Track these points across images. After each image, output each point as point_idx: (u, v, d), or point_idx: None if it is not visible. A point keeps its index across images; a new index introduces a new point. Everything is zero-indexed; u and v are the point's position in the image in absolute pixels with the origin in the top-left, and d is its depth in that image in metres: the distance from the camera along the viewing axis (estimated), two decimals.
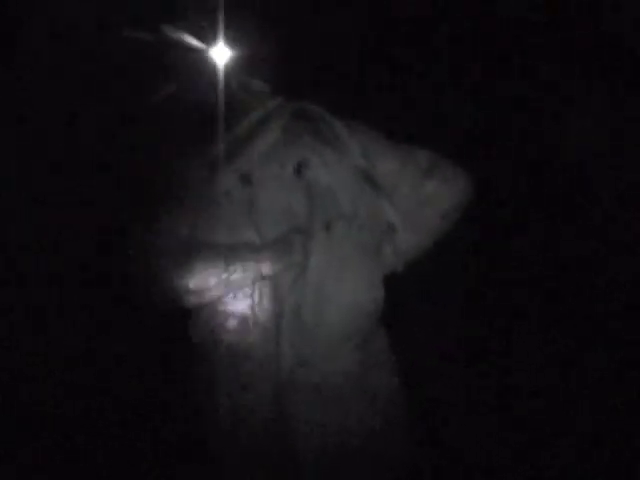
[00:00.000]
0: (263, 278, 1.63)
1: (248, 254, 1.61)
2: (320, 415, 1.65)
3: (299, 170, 1.68)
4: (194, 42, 1.57)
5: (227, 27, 1.53)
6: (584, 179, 2.18)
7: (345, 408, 1.68)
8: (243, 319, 1.65)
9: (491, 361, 2.28)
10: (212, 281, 1.59)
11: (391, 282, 1.75)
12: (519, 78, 2.21)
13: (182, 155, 1.65)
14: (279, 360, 1.64)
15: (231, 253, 1.61)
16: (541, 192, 2.26)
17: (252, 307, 1.65)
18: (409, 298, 2.04)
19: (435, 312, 2.23)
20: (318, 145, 1.70)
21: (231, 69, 1.58)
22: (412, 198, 1.74)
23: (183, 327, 1.70)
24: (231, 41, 1.56)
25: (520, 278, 2.31)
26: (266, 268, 1.61)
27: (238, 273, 1.59)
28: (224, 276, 1.58)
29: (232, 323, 1.66)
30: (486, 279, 2.30)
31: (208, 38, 1.55)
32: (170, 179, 1.65)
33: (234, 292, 1.63)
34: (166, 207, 1.63)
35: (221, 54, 1.56)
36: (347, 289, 1.67)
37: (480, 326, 2.31)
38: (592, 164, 2.14)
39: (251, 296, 1.64)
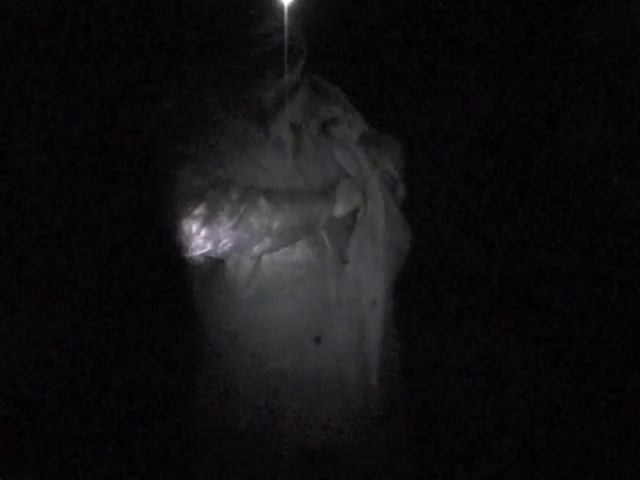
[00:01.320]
0: (326, 222, 1.59)
1: (312, 198, 1.57)
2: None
3: (326, 127, 1.71)
4: None
5: None
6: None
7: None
8: (307, 267, 1.59)
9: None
10: (274, 226, 1.51)
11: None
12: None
13: (237, 98, 1.58)
14: (352, 304, 1.60)
15: (295, 198, 1.55)
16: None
17: (316, 254, 1.59)
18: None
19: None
20: (339, 110, 1.76)
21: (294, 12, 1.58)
22: None
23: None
24: None
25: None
26: (333, 211, 1.58)
27: (299, 218, 1.54)
28: (287, 222, 1.52)
29: (296, 272, 1.58)
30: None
31: None
32: (223, 122, 1.56)
33: (297, 239, 1.57)
34: (217, 151, 1.53)
35: None
36: (394, 232, 1.71)
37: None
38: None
39: (313, 243, 1.59)
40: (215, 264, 1.57)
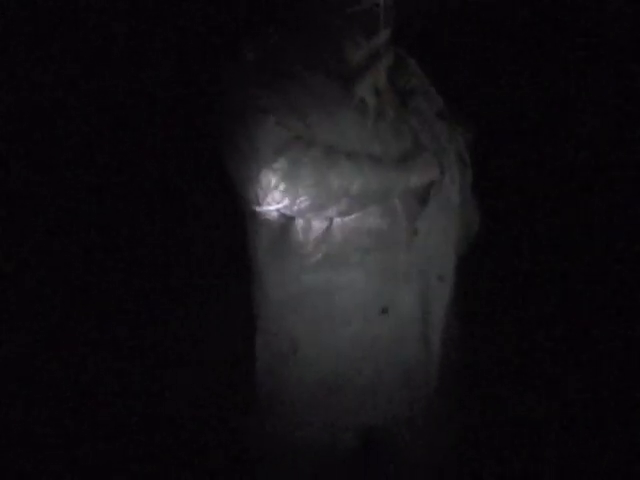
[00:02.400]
0: (401, 192, 1.55)
1: (391, 164, 1.53)
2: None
3: (405, 96, 1.68)
4: None
5: None
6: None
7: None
8: (378, 235, 1.54)
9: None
10: (353, 188, 1.46)
11: None
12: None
13: (323, 55, 1.54)
14: (419, 276, 1.56)
15: (374, 163, 1.51)
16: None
17: (388, 223, 1.55)
18: None
19: None
20: (418, 82, 1.72)
21: None
22: None
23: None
24: None
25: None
26: (410, 181, 1.54)
27: (378, 183, 1.49)
28: (365, 186, 1.47)
29: (367, 240, 1.53)
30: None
31: None
32: (306, 79, 1.52)
33: (371, 205, 1.52)
34: (298, 107, 1.48)
35: None
36: (466, 210, 1.68)
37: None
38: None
39: (386, 212, 1.55)
40: (286, 223, 1.52)
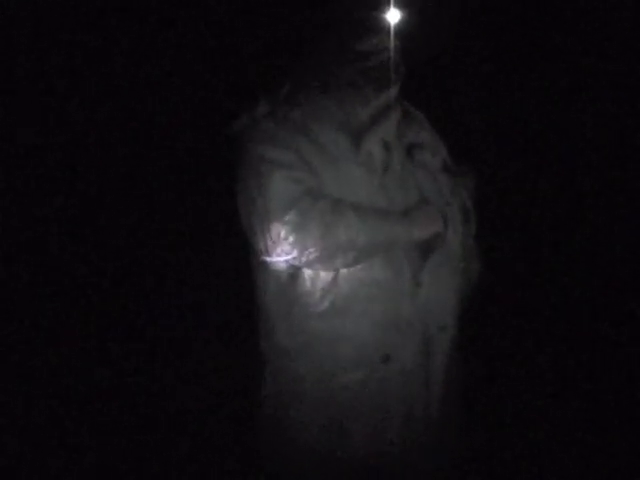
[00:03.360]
0: (405, 244, 1.59)
1: (396, 218, 1.58)
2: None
3: (411, 150, 1.72)
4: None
5: None
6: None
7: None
8: (383, 285, 1.59)
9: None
10: (359, 240, 1.51)
11: None
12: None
13: (332, 110, 1.60)
14: (421, 326, 1.61)
15: (380, 215, 1.56)
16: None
17: (392, 274, 1.60)
18: None
19: None
20: (426, 136, 1.77)
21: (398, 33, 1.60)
22: None
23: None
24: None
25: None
26: (414, 234, 1.59)
27: (383, 236, 1.55)
28: (372, 239, 1.53)
29: (372, 290, 1.58)
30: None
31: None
32: (315, 133, 1.57)
33: (376, 256, 1.57)
34: (308, 160, 1.54)
35: (394, 16, 1.58)
36: (467, 261, 1.72)
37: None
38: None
39: (391, 263, 1.59)
40: (294, 273, 1.57)
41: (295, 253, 1.48)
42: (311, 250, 1.48)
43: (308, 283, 1.56)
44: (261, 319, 1.67)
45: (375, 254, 1.56)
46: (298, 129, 1.56)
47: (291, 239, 1.47)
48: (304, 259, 1.50)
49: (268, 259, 1.53)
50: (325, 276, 1.56)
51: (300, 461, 1.63)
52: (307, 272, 1.56)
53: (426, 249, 1.63)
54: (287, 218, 1.46)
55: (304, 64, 1.64)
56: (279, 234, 1.46)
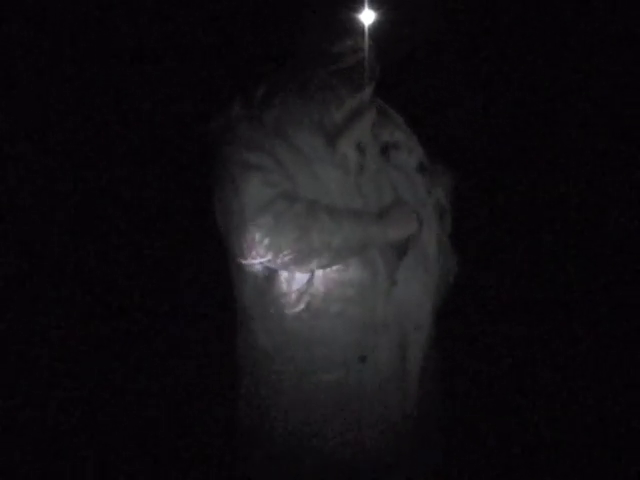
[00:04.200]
0: (380, 244, 1.60)
1: (371, 219, 1.58)
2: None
3: (386, 151, 1.73)
4: None
5: None
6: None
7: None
8: (358, 286, 1.60)
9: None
10: (334, 242, 1.52)
11: None
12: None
13: (306, 112, 1.59)
14: (397, 326, 1.62)
15: (354, 217, 1.56)
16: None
17: (367, 275, 1.60)
18: None
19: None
20: (401, 135, 1.77)
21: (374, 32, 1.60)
22: None
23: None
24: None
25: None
26: (389, 235, 1.60)
27: (357, 238, 1.55)
28: (346, 241, 1.53)
29: (347, 291, 1.59)
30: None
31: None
32: (290, 135, 1.57)
33: (350, 258, 1.58)
34: (283, 163, 1.54)
35: (368, 16, 1.58)
36: (443, 260, 1.73)
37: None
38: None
39: (366, 264, 1.60)
40: (270, 275, 1.57)
41: (270, 256, 1.49)
42: (286, 253, 1.49)
43: (284, 285, 1.57)
44: (239, 320, 1.68)
45: (350, 256, 1.57)
46: (273, 131, 1.56)
47: (266, 242, 1.47)
48: (279, 261, 1.50)
49: (243, 261, 1.53)
50: (301, 277, 1.57)
51: (276, 460, 1.64)
52: (283, 274, 1.57)
53: (401, 249, 1.64)
54: (262, 221, 1.46)
55: (279, 66, 1.64)
56: (254, 237, 1.47)
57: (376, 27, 1.60)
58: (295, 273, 1.56)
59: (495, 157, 2.36)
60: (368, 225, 1.57)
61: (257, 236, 1.46)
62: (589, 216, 2.35)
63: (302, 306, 1.57)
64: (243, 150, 1.51)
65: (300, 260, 1.51)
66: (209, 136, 1.61)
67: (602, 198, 2.34)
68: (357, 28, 1.58)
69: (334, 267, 1.57)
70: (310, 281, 1.57)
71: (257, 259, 1.50)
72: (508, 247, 2.38)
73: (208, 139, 1.61)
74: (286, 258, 1.50)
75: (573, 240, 2.37)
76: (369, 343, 1.60)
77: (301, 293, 1.57)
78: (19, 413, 2.06)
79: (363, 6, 1.58)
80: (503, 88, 2.35)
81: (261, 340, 1.61)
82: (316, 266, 1.54)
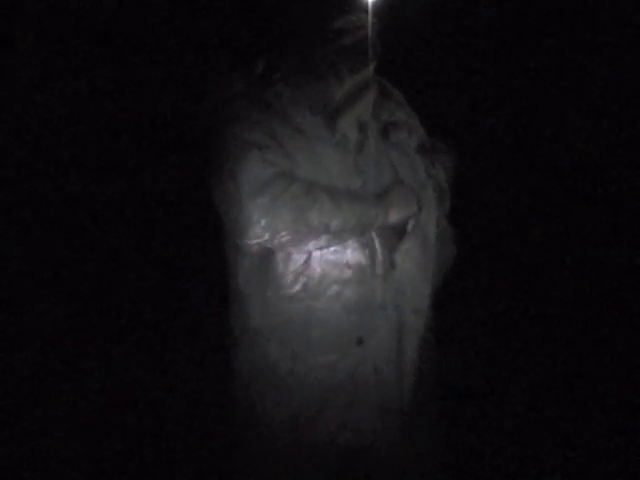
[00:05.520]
0: (379, 226, 1.58)
1: (370, 200, 1.56)
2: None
3: (386, 130, 1.70)
4: None
5: None
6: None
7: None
8: (356, 268, 1.58)
9: None
10: (332, 224, 1.49)
11: None
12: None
13: (307, 90, 1.57)
14: (395, 309, 1.60)
15: (353, 199, 1.54)
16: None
17: (365, 257, 1.59)
18: None
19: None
20: (401, 114, 1.74)
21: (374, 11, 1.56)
22: None
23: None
24: None
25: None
26: (388, 217, 1.58)
27: (356, 220, 1.53)
28: (344, 222, 1.51)
29: (345, 273, 1.57)
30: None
31: None
32: (289, 114, 1.54)
33: (349, 239, 1.56)
34: (282, 142, 1.51)
35: None
36: (442, 243, 1.71)
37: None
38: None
39: (364, 246, 1.58)
40: (266, 256, 1.55)
41: (267, 236, 1.46)
42: (283, 234, 1.47)
43: (281, 265, 1.55)
44: (235, 301, 1.66)
45: (349, 237, 1.55)
46: (272, 109, 1.53)
47: (263, 223, 1.45)
48: (276, 242, 1.48)
49: (240, 242, 1.51)
50: (298, 258, 1.54)
51: (270, 442, 1.63)
52: (280, 255, 1.54)
53: (400, 231, 1.62)
54: (259, 201, 1.44)
55: (279, 43, 1.60)
56: (251, 217, 1.44)
57: (379, 3, 1.56)
58: (292, 254, 1.54)
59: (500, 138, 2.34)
60: (368, 207, 1.55)
61: (255, 216, 1.44)
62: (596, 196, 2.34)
63: (299, 287, 1.55)
64: (241, 128, 1.48)
65: (297, 241, 1.49)
66: (205, 113, 1.58)
67: (611, 183, 2.32)
68: (360, 5, 1.54)
69: (331, 248, 1.55)
70: (307, 262, 1.55)
71: (254, 239, 1.47)
72: (510, 231, 2.36)
73: (203, 116, 1.58)
74: (283, 239, 1.48)
75: (576, 223, 2.35)
76: (366, 326, 1.58)
77: (297, 274, 1.55)
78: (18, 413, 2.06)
79: None
80: (510, 66, 2.31)
81: (257, 321, 1.60)
82: (313, 247, 1.52)
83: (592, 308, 2.33)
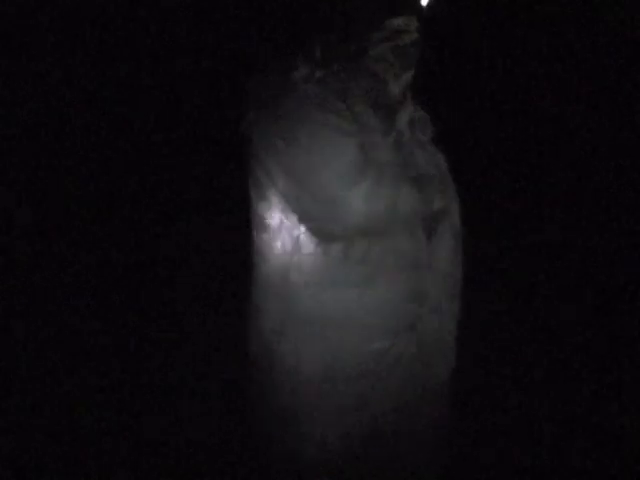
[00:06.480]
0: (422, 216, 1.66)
1: (419, 188, 1.63)
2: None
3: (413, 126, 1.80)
4: None
5: None
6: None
7: None
8: (406, 256, 1.63)
9: None
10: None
11: None
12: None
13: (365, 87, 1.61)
14: (437, 295, 1.69)
15: (410, 184, 1.60)
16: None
17: (412, 246, 1.64)
18: None
19: None
20: (421, 111, 1.85)
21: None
22: None
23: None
24: None
25: None
26: (435, 203, 1.66)
27: (403, 205, 1.59)
28: (408, 206, 1.59)
29: (398, 260, 1.62)
30: None
31: None
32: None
33: (389, 227, 1.61)
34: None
35: None
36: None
37: None
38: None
39: (411, 235, 1.64)
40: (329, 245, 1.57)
41: (367, 223, 1.51)
42: (353, 219, 1.51)
43: (341, 254, 1.57)
44: (272, 286, 1.66)
45: (392, 223, 1.59)
46: (336, 94, 1.55)
47: (363, 209, 1.49)
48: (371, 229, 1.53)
49: (306, 225, 1.53)
50: (359, 247, 1.57)
51: (314, 427, 1.65)
52: (342, 243, 1.57)
53: (436, 219, 1.71)
54: (356, 188, 1.48)
55: (334, 34, 1.63)
56: (349, 204, 1.48)
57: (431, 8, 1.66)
58: (355, 242, 1.57)
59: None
60: (411, 194, 1.60)
61: (352, 203, 1.48)
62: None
63: (356, 274, 1.58)
64: (318, 110, 1.50)
65: (366, 228, 1.54)
66: (266, 98, 1.57)
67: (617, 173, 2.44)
68: (414, 7, 1.63)
69: (384, 236, 1.60)
70: (367, 250, 1.58)
71: (352, 229, 1.51)
72: (510, 231, 2.48)
73: (264, 101, 1.58)
74: (349, 224, 1.52)
75: (577, 222, 2.47)
76: (415, 313, 1.64)
77: (358, 261, 1.57)
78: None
79: None
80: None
81: (310, 310, 1.60)
82: (353, 233, 1.56)
83: (593, 308, 2.45)
